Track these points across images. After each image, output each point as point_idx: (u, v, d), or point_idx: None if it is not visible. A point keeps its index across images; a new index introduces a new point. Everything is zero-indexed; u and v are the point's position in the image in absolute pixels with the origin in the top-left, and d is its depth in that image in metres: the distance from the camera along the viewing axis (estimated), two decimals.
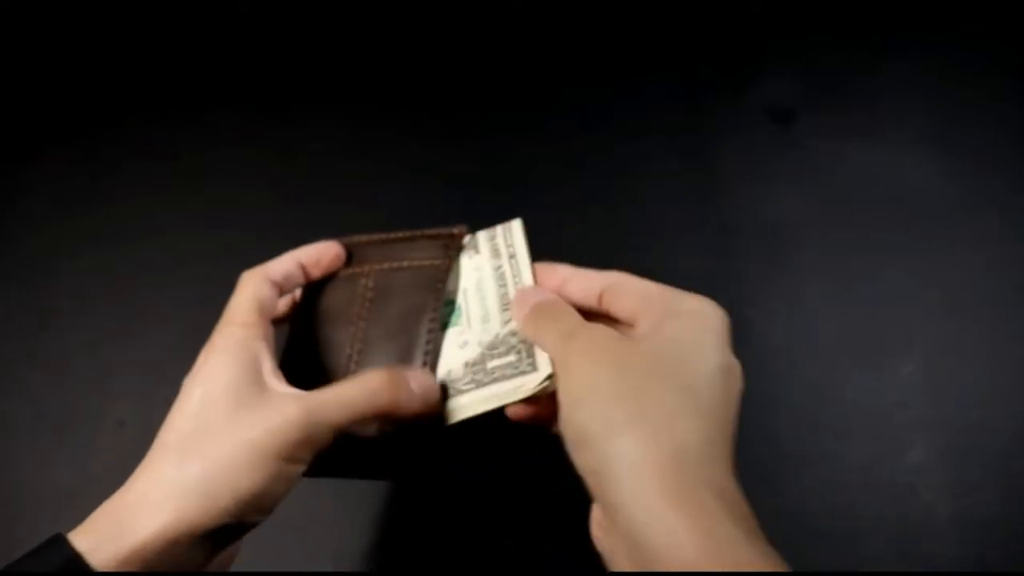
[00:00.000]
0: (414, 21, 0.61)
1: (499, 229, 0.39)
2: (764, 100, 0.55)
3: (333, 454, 0.33)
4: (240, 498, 0.28)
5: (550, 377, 0.32)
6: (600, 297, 0.33)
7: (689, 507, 0.24)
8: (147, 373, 0.49)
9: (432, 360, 0.35)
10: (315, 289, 0.39)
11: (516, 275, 0.37)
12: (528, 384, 0.33)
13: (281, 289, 0.36)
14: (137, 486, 0.28)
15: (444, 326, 0.37)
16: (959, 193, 0.50)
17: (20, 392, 0.50)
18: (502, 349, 0.35)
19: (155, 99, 0.60)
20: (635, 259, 0.50)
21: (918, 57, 0.55)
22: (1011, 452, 0.43)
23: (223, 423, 0.29)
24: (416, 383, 0.33)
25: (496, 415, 0.34)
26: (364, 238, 0.40)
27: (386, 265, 0.38)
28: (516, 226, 0.39)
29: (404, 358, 0.35)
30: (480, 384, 0.34)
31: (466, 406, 0.34)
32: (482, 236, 0.39)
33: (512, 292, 0.36)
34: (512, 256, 0.38)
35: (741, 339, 0.31)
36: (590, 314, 0.33)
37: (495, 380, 0.34)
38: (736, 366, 0.29)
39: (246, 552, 0.35)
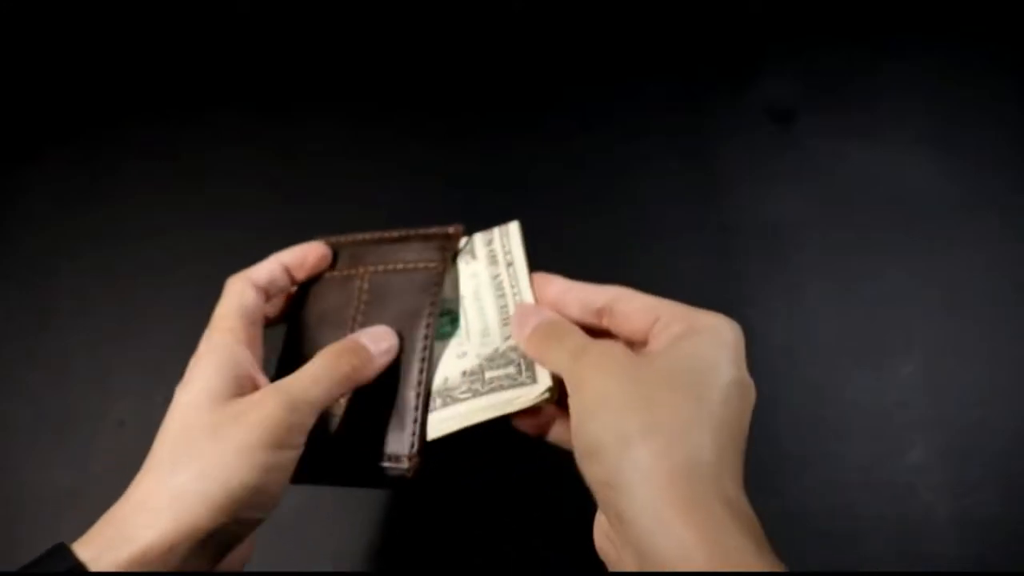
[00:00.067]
0: (414, 21, 0.61)
1: (496, 232, 0.38)
2: (764, 100, 0.55)
3: (328, 461, 0.33)
4: (234, 495, 0.28)
5: (550, 390, 0.32)
6: (600, 312, 0.33)
7: (699, 517, 0.24)
8: (147, 373, 0.49)
9: (428, 365, 0.35)
10: (310, 290, 0.39)
11: (514, 286, 0.36)
12: (527, 396, 0.32)
13: (266, 292, 0.36)
14: (135, 495, 0.29)
15: (443, 336, 0.37)
16: (959, 193, 0.50)
17: (20, 392, 0.50)
18: (501, 361, 0.34)
19: (155, 99, 0.60)
20: (635, 259, 0.50)
21: (918, 57, 0.55)
22: (1011, 452, 0.43)
23: (209, 426, 0.29)
24: (368, 338, 0.34)
25: (496, 422, 0.33)
26: (354, 237, 0.39)
27: (381, 267, 0.38)
28: (513, 230, 0.38)
29: (400, 362, 0.35)
30: (477, 394, 0.34)
31: (463, 415, 0.33)
32: (478, 239, 0.38)
33: (511, 305, 0.36)
34: (510, 264, 0.37)
35: None
36: (589, 330, 0.32)
37: (492, 390, 0.33)
38: (750, 383, 0.29)
39: None
